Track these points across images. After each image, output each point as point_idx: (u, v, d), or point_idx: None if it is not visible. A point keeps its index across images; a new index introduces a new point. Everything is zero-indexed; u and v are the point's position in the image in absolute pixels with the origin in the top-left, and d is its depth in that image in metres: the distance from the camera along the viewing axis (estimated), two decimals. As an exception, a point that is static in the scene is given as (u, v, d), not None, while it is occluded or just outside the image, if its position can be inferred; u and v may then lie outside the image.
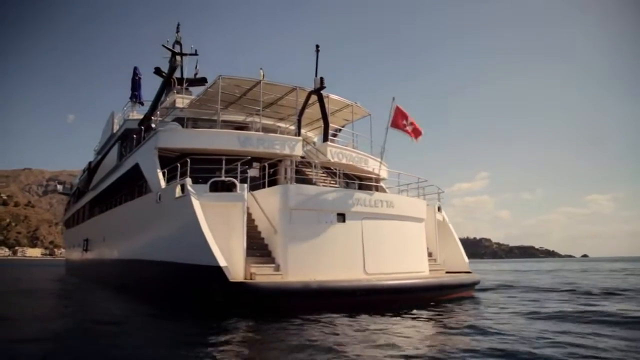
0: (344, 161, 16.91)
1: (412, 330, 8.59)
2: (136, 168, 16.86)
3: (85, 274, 27.52)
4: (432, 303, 12.52)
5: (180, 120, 17.78)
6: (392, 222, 13.93)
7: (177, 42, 25.90)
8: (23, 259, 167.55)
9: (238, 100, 17.92)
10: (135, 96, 22.53)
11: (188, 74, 26.36)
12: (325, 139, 17.38)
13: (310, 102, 16.85)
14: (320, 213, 12.58)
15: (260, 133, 15.82)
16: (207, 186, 11.98)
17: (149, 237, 15.00)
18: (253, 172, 14.93)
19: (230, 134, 15.51)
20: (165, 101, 20.87)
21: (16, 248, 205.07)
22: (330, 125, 17.70)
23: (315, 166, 15.52)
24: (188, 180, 12.08)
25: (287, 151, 15.54)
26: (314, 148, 17.74)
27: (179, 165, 13.08)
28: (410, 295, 12.43)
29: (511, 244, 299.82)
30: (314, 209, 12.52)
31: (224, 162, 12.56)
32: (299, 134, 16.75)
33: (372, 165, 17.74)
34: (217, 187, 11.99)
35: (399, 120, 13.76)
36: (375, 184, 15.43)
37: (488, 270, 40.89)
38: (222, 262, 10.46)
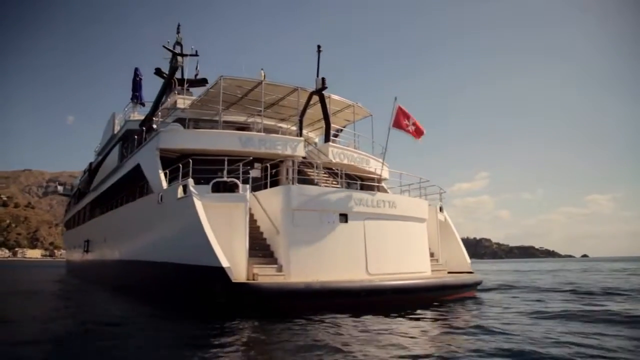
0: (345, 161, 16.89)
1: (418, 331, 8.57)
2: (137, 169, 16.85)
3: (86, 275, 27.51)
4: (434, 303, 12.50)
5: (181, 121, 17.76)
6: (395, 222, 13.90)
7: (178, 43, 25.97)
8: (23, 260, 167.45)
9: (239, 100, 17.90)
10: (136, 97, 22.56)
11: (188, 74, 26.41)
12: (327, 139, 17.37)
13: (311, 102, 16.84)
14: (322, 213, 12.56)
15: (262, 134, 15.80)
16: (209, 187, 11.96)
17: (151, 238, 14.98)
18: (255, 173, 14.92)
19: (232, 135, 15.49)
20: (166, 102, 20.86)
21: (16, 249, 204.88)
22: (332, 125, 17.70)
23: (317, 167, 15.49)
24: (190, 181, 12.06)
25: (288, 152, 15.52)
26: (316, 149, 17.73)
27: (180, 165, 13.05)
28: (413, 296, 12.41)
29: (511, 244, 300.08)
30: (316, 210, 12.50)
31: (226, 162, 12.54)
32: (300, 134, 16.73)
33: (374, 166, 17.72)
34: (219, 188, 11.96)
35: (401, 120, 13.74)
36: (376, 184, 15.41)
37: (488, 271, 40.88)
38: (224, 263, 10.44)
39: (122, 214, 19.22)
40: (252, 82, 16.49)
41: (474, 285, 15.83)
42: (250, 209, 12.27)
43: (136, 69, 23.31)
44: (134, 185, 18.42)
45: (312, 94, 16.56)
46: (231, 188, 11.99)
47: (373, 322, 9.36)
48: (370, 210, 13.32)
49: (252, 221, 12.79)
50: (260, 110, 16.75)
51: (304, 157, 16.10)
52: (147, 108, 21.09)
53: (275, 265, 11.93)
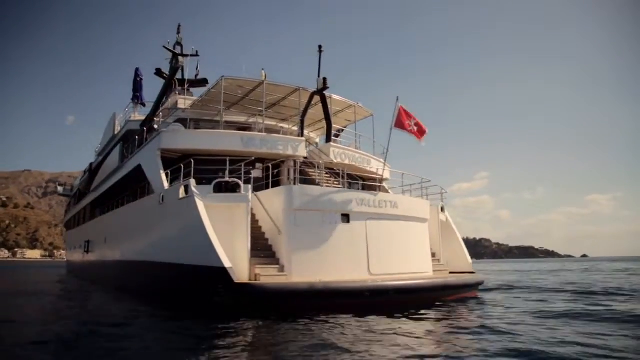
0: (346, 162, 16.88)
1: (423, 331, 8.57)
2: (138, 169, 16.83)
3: (87, 276, 27.49)
4: (437, 304, 12.48)
5: (182, 121, 17.74)
6: (396, 222, 13.89)
7: (178, 43, 25.91)
8: (23, 260, 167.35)
9: (240, 101, 17.89)
10: (137, 97, 22.52)
11: (189, 75, 26.37)
12: (328, 139, 17.37)
13: (312, 102, 16.83)
14: (324, 214, 12.55)
15: (264, 134, 15.78)
16: (211, 187, 11.94)
17: (152, 238, 14.96)
18: (256, 173, 14.90)
19: (233, 135, 15.47)
20: (166, 102, 20.84)
21: (16, 250, 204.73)
22: (333, 125, 17.70)
23: (319, 167, 15.49)
24: (192, 181, 12.05)
25: (290, 152, 15.51)
26: (317, 149, 17.72)
27: (182, 166, 13.04)
28: (415, 296, 12.39)
29: (511, 244, 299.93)
30: (318, 210, 12.49)
31: (227, 162, 12.53)
32: (302, 134, 16.72)
33: (375, 166, 17.72)
34: (221, 188, 11.95)
35: (403, 120, 13.72)
36: (378, 184, 15.41)
37: (488, 271, 40.87)
38: (227, 264, 10.42)
39: (123, 215, 19.20)
40: (254, 82, 16.48)
41: (475, 286, 15.82)
42: (252, 209, 12.26)
43: (137, 69, 23.28)
44: (135, 185, 18.41)
45: (313, 94, 16.56)
46: (233, 188, 11.97)
47: (377, 322, 9.35)
48: (372, 211, 13.31)
49: (254, 221, 12.78)
50: (261, 111, 16.74)
51: (305, 157, 16.09)
52: (148, 108, 21.07)
53: (277, 266, 11.92)
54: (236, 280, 10.35)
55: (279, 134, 17.60)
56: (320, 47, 16.67)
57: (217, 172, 12.75)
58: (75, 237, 33.92)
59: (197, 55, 26.73)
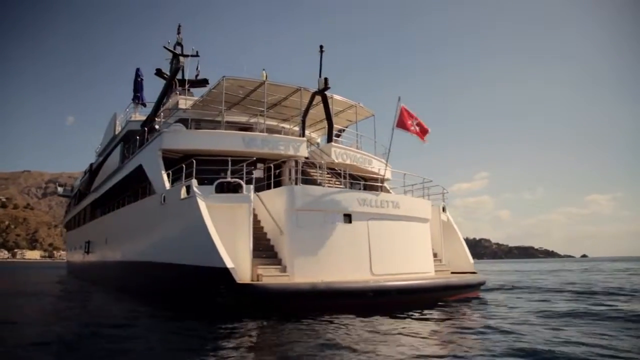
0: (348, 162, 16.87)
1: (427, 331, 8.57)
2: (139, 169, 16.81)
3: (88, 276, 27.46)
4: (439, 304, 12.47)
5: (183, 122, 17.72)
6: (398, 222, 13.88)
7: (179, 44, 25.95)
8: (22, 261, 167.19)
9: (241, 101, 17.88)
10: (138, 97, 22.49)
11: (189, 75, 26.36)
12: (330, 139, 17.36)
13: (314, 102, 16.83)
14: (326, 214, 12.53)
15: (265, 134, 15.76)
16: (212, 187, 11.91)
17: (153, 238, 14.94)
18: (257, 173, 14.89)
19: (235, 135, 15.45)
20: (167, 103, 20.83)
21: (15, 250, 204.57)
22: (334, 125, 17.69)
23: (321, 167, 15.47)
24: (194, 182, 12.02)
25: (291, 152, 15.49)
26: (318, 149, 17.71)
27: (184, 166, 13.02)
28: (417, 296, 12.38)
29: (511, 244, 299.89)
30: (320, 210, 12.47)
31: (229, 163, 12.51)
32: (303, 134, 16.71)
33: (376, 166, 17.71)
34: (223, 189, 11.93)
35: (405, 120, 13.69)
36: (379, 184, 15.39)
37: (489, 271, 40.86)
38: (229, 264, 10.40)
39: (124, 215, 19.17)
40: (255, 82, 16.47)
41: (477, 286, 15.81)
42: (253, 209, 12.24)
43: (137, 70, 23.26)
44: (136, 186, 18.38)
45: (314, 94, 16.56)
46: (235, 188, 11.95)
47: (381, 322, 9.35)
48: (374, 211, 13.29)
49: (256, 222, 12.75)
50: (263, 111, 16.72)
51: (306, 158, 16.07)
52: (148, 109, 21.06)
53: (279, 266, 11.90)
54: (238, 281, 10.33)
55: (280, 134, 17.59)
56: (321, 47, 16.67)
57: (218, 172, 12.73)
58: (76, 237, 33.88)
59: (197, 55, 26.77)
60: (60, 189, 44.44)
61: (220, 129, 16.06)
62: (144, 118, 19.93)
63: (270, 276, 11.28)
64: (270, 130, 17.21)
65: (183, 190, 12.25)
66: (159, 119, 17.93)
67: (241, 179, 12.14)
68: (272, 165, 14.00)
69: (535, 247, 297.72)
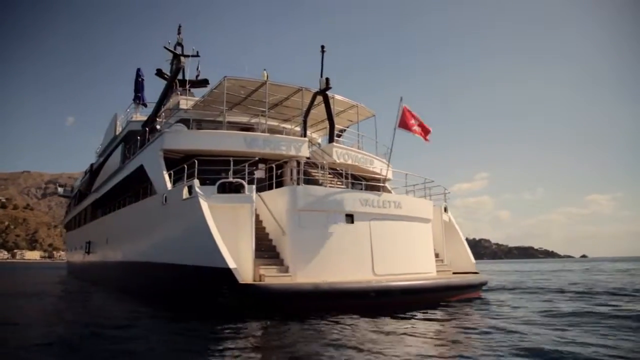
0: (349, 162, 16.86)
1: (433, 331, 8.55)
2: (141, 170, 16.77)
3: (88, 276, 27.41)
4: (441, 304, 12.45)
5: (184, 122, 17.70)
6: (400, 223, 13.86)
7: (179, 44, 25.93)
8: (22, 261, 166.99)
9: (243, 101, 17.85)
10: (139, 98, 22.45)
11: (189, 75, 26.34)
12: (331, 139, 17.35)
13: (315, 102, 16.80)
14: (328, 214, 12.50)
15: (266, 134, 15.75)
16: (214, 187, 11.89)
17: (155, 239, 14.90)
18: (259, 174, 14.84)
19: (236, 135, 15.43)
20: (167, 103, 20.80)
21: (15, 251, 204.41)
22: (335, 126, 17.66)
23: (322, 167, 15.44)
24: (196, 182, 11.99)
25: (293, 152, 15.48)
26: (320, 149, 17.68)
27: (185, 166, 12.99)
28: (420, 296, 12.35)
29: (510, 245, 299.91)
30: (322, 210, 12.44)
31: (232, 163, 12.49)
32: (304, 134, 16.69)
33: (377, 166, 17.69)
34: (225, 189, 11.90)
35: (407, 120, 13.66)
36: (381, 184, 15.36)
37: (489, 271, 40.78)
38: (231, 264, 10.37)
39: (125, 215, 19.13)
40: (256, 82, 16.45)
41: (479, 286, 15.78)
42: (255, 209, 12.20)
43: (138, 70, 23.22)
44: (137, 186, 18.34)
45: (316, 94, 16.55)
46: (237, 189, 11.93)
47: (385, 322, 9.32)
48: (376, 211, 13.27)
49: (258, 222, 12.72)
50: (264, 111, 16.70)
51: (308, 158, 16.05)
52: (149, 109, 21.03)
53: (282, 266, 11.87)
54: (241, 281, 10.29)
55: (282, 134, 17.58)
56: (322, 47, 16.67)
57: (219, 172, 12.71)
58: (76, 238, 33.81)
59: (197, 55, 26.75)
60: (60, 189, 44.38)
61: (221, 129, 16.03)
62: (144, 118, 19.91)
63: (273, 276, 11.25)
64: (272, 130, 17.19)
65: (185, 191, 12.22)
66: (160, 119, 17.89)
67: (243, 179, 12.11)
68: (273, 166, 13.97)
69: (535, 247, 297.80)
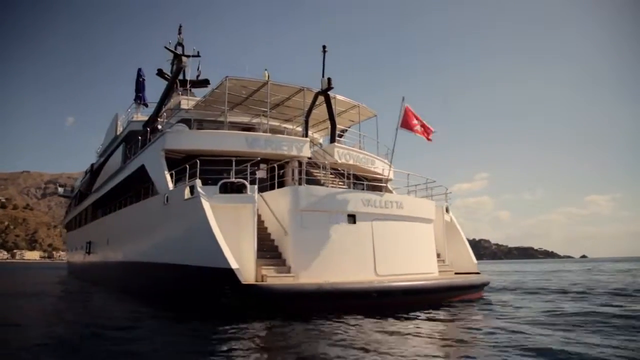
0: (351, 162, 16.84)
1: (438, 332, 8.53)
2: (142, 170, 16.74)
3: (89, 277, 27.37)
4: (443, 304, 12.42)
5: (185, 122, 17.69)
6: (402, 223, 13.84)
7: (180, 44, 25.95)
8: (22, 261, 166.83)
9: (244, 101, 17.82)
10: (140, 98, 22.40)
11: (190, 75, 26.32)
12: (333, 139, 17.33)
13: (317, 103, 16.78)
14: (330, 214, 12.47)
15: (268, 134, 15.73)
16: (216, 188, 11.85)
17: (156, 239, 14.86)
18: (260, 174, 14.82)
19: (238, 135, 15.40)
20: (168, 103, 20.77)
21: (15, 251, 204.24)
22: (336, 126, 17.64)
23: (325, 167, 15.42)
24: (198, 182, 11.96)
25: (294, 152, 15.45)
26: (321, 149, 17.66)
27: (187, 166, 12.96)
28: (422, 297, 12.32)
29: (510, 245, 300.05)
30: (325, 211, 12.41)
31: (234, 163, 12.47)
32: (306, 134, 16.67)
33: (379, 166, 17.66)
34: (227, 189, 11.86)
35: (409, 121, 13.63)
36: (383, 184, 15.34)
37: (489, 271, 40.71)
38: (234, 265, 10.34)
39: (126, 215, 19.09)
40: (258, 82, 16.42)
41: (481, 286, 15.75)
42: (257, 209, 12.17)
43: (139, 70, 23.18)
44: (138, 186, 18.30)
45: (317, 94, 16.53)
46: (239, 189, 11.89)
47: (390, 323, 9.30)
48: (378, 211, 13.24)
49: (259, 222, 12.67)
50: (265, 111, 16.68)
51: (309, 158, 16.02)
52: (150, 109, 21.00)
53: (284, 267, 11.84)
54: (243, 282, 10.26)
55: (283, 134, 17.55)
56: (324, 47, 16.66)
57: (221, 172, 12.68)
58: (77, 238, 33.77)
59: (198, 55, 26.75)
60: (60, 190, 44.38)
61: (222, 129, 16.00)
62: (145, 118, 19.87)
63: (275, 277, 11.22)
64: (273, 130, 17.17)
65: (187, 191, 12.19)
66: (162, 119, 17.86)
67: (244, 179, 12.08)
68: (275, 166, 13.94)
69: (535, 247, 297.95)
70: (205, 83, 26.17)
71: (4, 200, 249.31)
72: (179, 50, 24.89)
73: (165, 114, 18.92)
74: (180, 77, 23.15)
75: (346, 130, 19.96)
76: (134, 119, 21.61)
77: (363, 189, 14.42)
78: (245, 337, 7.84)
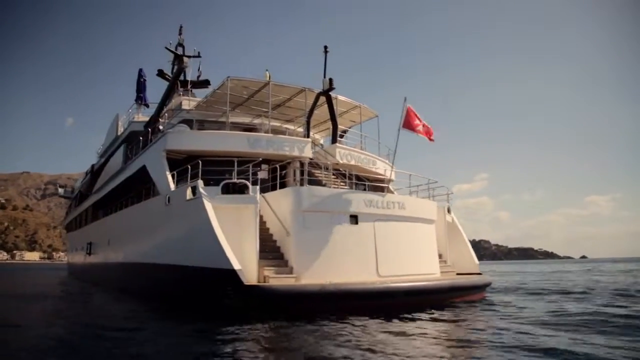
0: (352, 162, 16.81)
1: (443, 333, 8.51)
2: (143, 170, 16.71)
3: (89, 277, 27.33)
4: (447, 305, 12.39)
5: (187, 122, 17.63)
6: (404, 223, 13.80)
7: (180, 45, 25.93)
8: (21, 262, 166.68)
9: (245, 102, 17.80)
10: (141, 98, 22.39)
11: (191, 76, 26.28)
12: (334, 140, 17.29)
13: (318, 103, 16.75)
14: (332, 215, 12.44)
15: (270, 134, 15.70)
16: (218, 188, 11.83)
17: (157, 240, 14.83)
18: (262, 174, 14.80)
19: (239, 136, 15.37)
20: (169, 104, 20.75)
21: (14, 252, 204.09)
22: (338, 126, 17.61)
23: (326, 168, 15.40)
24: (200, 182, 11.93)
25: (296, 153, 15.42)
26: (322, 150, 17.63)
27: (189, 167, 12.93)
28: (425, 298, 12.28)
29: (510, 246, 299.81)
30: (327, 211, 12.38)
31: (235, 163, 12.44)
32: (308, 135, 16.64)
33: (380, 167, 17.64)
34: (229, 189, 11.83)
35: (411, 121, 13.59)
36: (384, 185, 15.30)
37: (490, 272, 40.65)
38: (236, 265, 10.31)
39: (127, 216, 19.05)
40: (259, 83, 16.39)
41: (483, 287, 15.72)
42: (259, 210, 12.14)
43: (140, 70, 23.19)
44: (140, 187, 18.27)
45: (319, 94, 16.50)
46: (241, 189, 11.86)
47: (394, 324, 9.29)
48: (380, 212, 13.22)
49: (262, 223, 12.66)
50: (267, 111, 16.65)
51: (311, 158, 15.99)
52: (151, 110, 20.99)
53: (286, 267, 11.81)
54: (246, 283, 10.23)
55: (284, 135, 17.51)
56: (325, 47, 16.62)
57: (222, 173, 12.66)
58: (77, 239, 33.73)
59: (199, 56, 26.70)
60: (61, 190, 44.37)
61: (224, 129, 15.96)
62: (146, 119, 19.86)
63: (277, 278, 11.19)
64: (274, 131, 17.15)
65: (189, 191, 12.15)
66: (163, 120, 17.82)
67: (246, 179, 12.05)
68: (277, 166, 13.91)
69: (535, 248, 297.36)
70: (205, 84, 26.12)
71: (3, 201, 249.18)
72: (180, 51, 24.88)
73: (166, 114, 18.88)
74: (181, 77, 23.10)
75: (347, 130, 19.93)
76: (135, 119, 21.59)
77: (365, 190, 14.40)
78: (249, 339, 7.80)
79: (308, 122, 16.84)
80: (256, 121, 19.04)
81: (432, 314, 10.73)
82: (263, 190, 13.30)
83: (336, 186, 16.08)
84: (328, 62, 16.35)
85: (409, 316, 10.22)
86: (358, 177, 16.26)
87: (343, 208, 12.60)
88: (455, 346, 7.23)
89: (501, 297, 15.95)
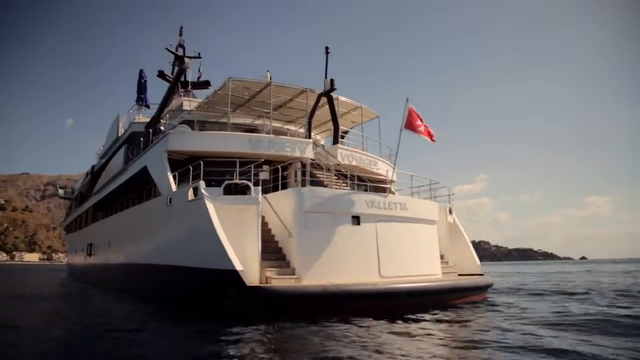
0: (353, 163, 16.78)
1: (448, 333, 8.49)
2: (144, 171, 16.68)
3: (90, 279, 27.27)
4: (449, 306, 12.35)
5: (188, 123, 17.60)
6: (406, 224, 13.78)
7: (180, 45, 25.90)
8: (21, 263, 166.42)
9: (247, 102, 17.78)
10: (141, 99, 22.37)
11: (191, 77, 26.27)
12: (335, 141, 17.27)
13: (319, 104, 16.73)
14: (334, 216, 12.42)
15: (271, 135, 15.69)
16: (220, 189, 11.80)
17: (159, 240, 14.80)
18: (263, 175, 14.78)
19: (241, 137, 15.35)
20: (170, 104, 20.71)
21: (14, 253, 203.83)
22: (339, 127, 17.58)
23: (328, 169, 15.37)
24: (201, 183, 11.90)
25: (297, 154, 15.39)
26: (324, 150, 17.61)
27: (191, 168, 12.91)
28: (427, 298, 12.25)
29: (510, 247, 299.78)
30: (329, 212, 12.35)
31: (237, 164, 12.42)
32: (309, 136, 16.61)
33: (381, 167, 17.61)
34: (231, 190, 11.80)
35: (413, 121, 13.57)
36: (386, 186, 15.28)
37: (490, 273, 40.63)
38: (238, 266, 10.28)
39: (128, 217, 19.02)
40: (260, 83, 16.38)
41: (485, 288, 15.70)
42: (261, 211, 12.10)
43: (141, 71, 23.19)
44: (140, 187, 18.24)
45: (320, 95, 16.50)
46: (243, 190, 11.83)
47: (398, 324, 9.26)
48: (382, 213, 13.19)
49: (263, 224, 12.61)
50: (268, 112, 16.63)
51: (312, 159, 15.97)
52: (152, 110, 20.95)
53: (288, 268, 11.78)
54: (248, 283, 10.20)
55: (286, 135, 17.49)
56: (327, 48, 16.62)
57: (224, 174, 12.63)
58: (77, 240, 33.68)
59: (199, 57, 26.67)
60: (61, 191, 44.32)
61: (225, 130, 15.94)
62: (147, 120, 19.82)
63: (279, 278, 11.16)
64: (276, 131, 17.13)
65: (190, 192, 12.12)
66: (164, 121, 17.79)
67: (248, 180, 12.03)
68: (279, 167, 13.89)
69: (535, 249, 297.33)
70: (206, 85, 26.12)
71: (3, 202, 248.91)
72: (180, 52, 24.85)
73: (167, 115, 18.86)
74: (182, 78, 23.08)
75: (348, 131, 19.91)
76: (136, 120, 21.56)
77: (367, 191, 14.37)
78: (253, 340, 7.77)
79: (309, 123, 16.82)
80: (257, 122, 19.02)
81: (436, 315, 10.70)
82: (264, 191, 13.26)
83: (338, 187, 16.05)
84: (329, 63, 16.35)
85: (413, 317, 10.19)
86: (360, 178, 16.25)
87: (345, 209, 12.58)
88: (461, 347, 7.19)
89: (503, 298, 15.91)
